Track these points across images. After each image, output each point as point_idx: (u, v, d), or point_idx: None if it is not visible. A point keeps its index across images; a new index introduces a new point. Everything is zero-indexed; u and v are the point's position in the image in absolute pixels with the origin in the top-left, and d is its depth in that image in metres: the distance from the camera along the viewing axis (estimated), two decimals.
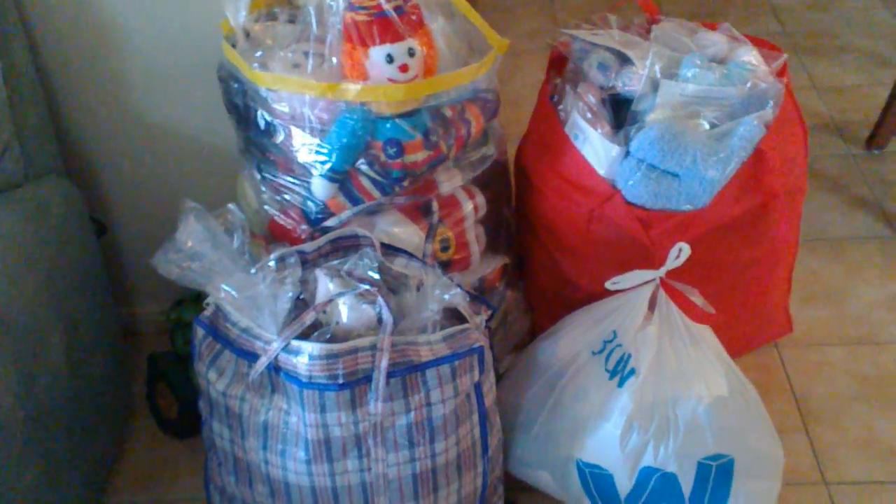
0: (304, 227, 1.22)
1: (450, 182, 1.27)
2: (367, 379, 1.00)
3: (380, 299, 1.03)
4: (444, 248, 1.28)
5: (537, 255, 1.43)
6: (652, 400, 1.15)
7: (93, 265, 1.36)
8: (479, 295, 1.14)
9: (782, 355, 1.55)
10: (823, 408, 1.46)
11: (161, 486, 1.42)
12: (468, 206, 1.29)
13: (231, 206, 1.09)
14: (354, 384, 0.99)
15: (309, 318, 1.02)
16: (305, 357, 0.98)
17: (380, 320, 1.03)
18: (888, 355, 1.54)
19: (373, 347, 1.00)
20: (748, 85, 1.24)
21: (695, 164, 1.19)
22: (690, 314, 1.22)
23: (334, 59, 1.14)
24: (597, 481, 1.19)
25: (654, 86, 1.26)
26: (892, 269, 1.71)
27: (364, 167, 1.17)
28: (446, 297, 1.04)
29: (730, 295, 1.35)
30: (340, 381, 0.98)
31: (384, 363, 0.99)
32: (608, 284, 1.21)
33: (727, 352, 1.25)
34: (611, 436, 1.16)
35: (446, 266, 1.30)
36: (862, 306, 1.64)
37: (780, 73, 1.28)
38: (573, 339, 1.25)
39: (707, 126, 1.23)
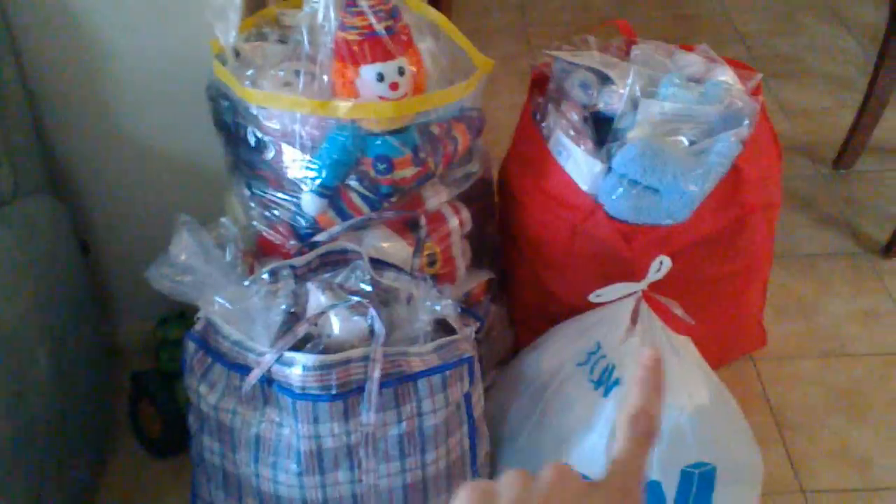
0: (292, 242, 1.24)
1: (436, 198, 1.30)
2: (360, 390, 1.01)
3: (371, 311, 1.04)
4: (431, 263, 1.30)
5: (521, 270, 1.45)
6: None
7: (79, 283, 1.36)
8: (467, 307, 1.17)
9: (758, 368, 1.59)
10: (799, 419, 1.49)
11: None
12: (454, 222, 1.32)
13: (224, 219, 1.10)
14: (347, 395, 1.01)
15: (302, 329, 1.03)
16: (299, 368, 0.99)
17: (372, 332, 1.04)
18: (859, 367, 1.58)
19: (365, 358, 1.02)
20: (725, 103, 1.29)
21: (675, 180, 1.22)
22: (670, 326, 1.26)
23: (325, 78, 1.16)
24: None
25: (635, 104, 1.29)
26: (862, 284, 1.77)
27: (354, 183, 1.19)
28: (437, 308, 1.06)
29: (708, 307, 1.39)
30: (334, 391, 1.00)
31: (377, 373, 1.01)
32: (592, 297, 1.23)
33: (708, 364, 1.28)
34: (597, 446, 1.18)
35: (432, 280, 1.32)
36: (833, 320, 1.68)
37: (755, 93, 1.32)
38: (557, 351, 1.28)
39: (686, 143, 1.26)
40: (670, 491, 1.18)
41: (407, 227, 1.29)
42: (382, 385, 1.01)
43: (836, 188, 2.04)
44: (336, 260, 1.21)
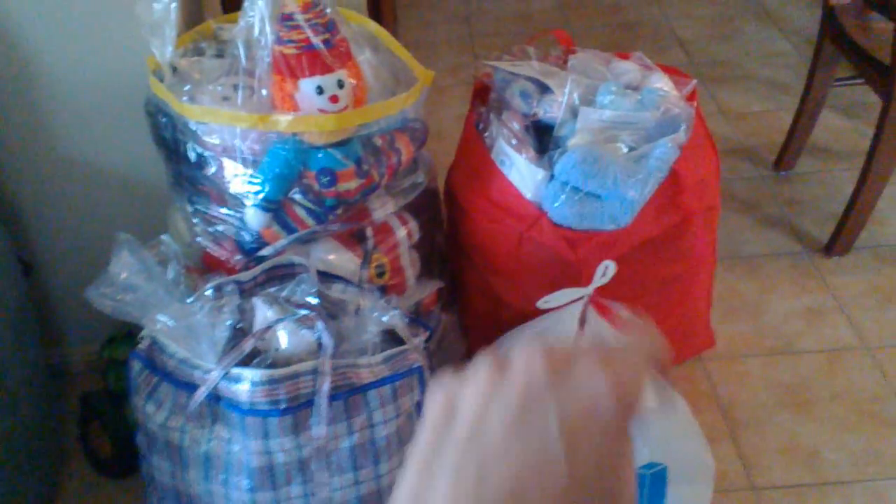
0: (238, 257, 1.23)
1: (383, 209, 1.30)
2: (310, 403, 1.01)
3: (319, 324, 1.04)
4: (380, 274, 1.30)
5: (470, 278, 1.46)
6: None
7: (20, 306, 1.33)
8: (416, 317, 1.17)
9: (707, 368, 1.62)
10: (748, 416, 1.52)
11: None
12: (401, 232, 1.32)
13: (164, 236, 1.09)
14: (297, 409, 1.00)
15: (248, 345, 1.02)
16: (247, 384, 0.99)
17: (320, 345, 1.04)
18: (804, 364, 1.62)
19: (314, 371, 1.01)
20: (661, 110, 1.31)
21: (616, 186, 1.24)
22: (618, 329, 1.27)
23: (264, 92, 1.16)
24: None
25: (574, 112, 1.31)
26: (804, 282, 1.81)
27: (298, 196, 1.19)
28: (385, 318, 1.06)
29: (654, 310, 1.41)
30: (283, 406, 0.99)
31: (326, 386, 1.00)
32: (539, 304, 1.25)
33: None
34: None
35: (382, 291, 1.32)
36: (778, 319, 1.72)
37: (690, 98, 1.35)
38: None
39: (625, 149, 1.28)
40: None
41: (354, 238, 1.29)
42: (332, 398, 1.01)
43: (777, 190, 2.09)
44: (283, 274, 1.20)
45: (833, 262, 1.86)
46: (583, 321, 1.27)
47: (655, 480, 1.20)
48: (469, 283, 1.47)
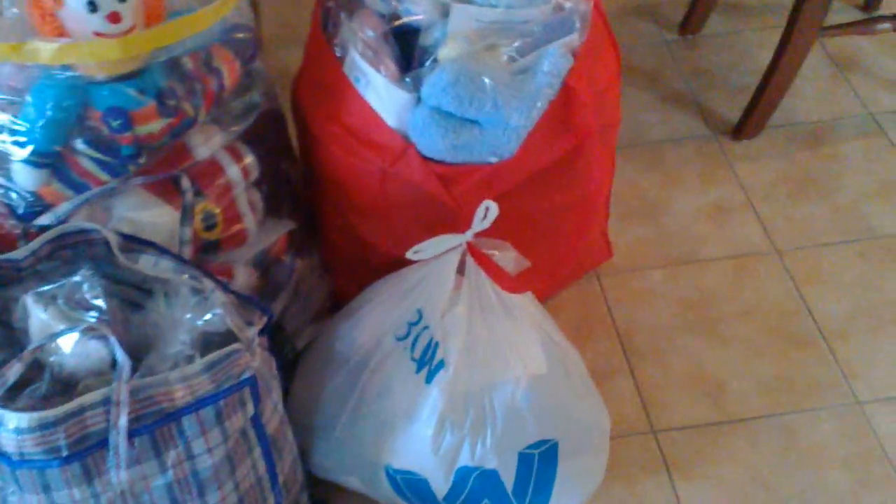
0: (13, 222, 0.95)
1: (207, 144, 1.03)
2: (103, 443, 0.78)
3: (111, 339, 0.79)
4: (210, 227, 1.05)
5: (330, 215, 1.21)
6: (465, 390, 1.00)
7: None
8: (250, 298, 0.93)
9: (603, 285, 1.45)
10: (648, 344, 1.37)
11: None
12: (234, 171, 1.06)
13: None
14: (85, 453, 0.77)
15: (13, 372, 0.78)
16: (11, 431, 0.75)
17: (114, 364, 0.80)
18: (708, 274, 1.46)
19: (106, 402, 0.78)
20: (551, 4, 1.05)
21: (496, 110, 1.00)
22: (503, 273, 1.07)
23: (15, 10, 0.85)
24: (410, 486, 1.04)
25: (445, 12, 1.04)
26: (710, 173, 1.63)
27: (81, 146, 0.91)
28: (199, 323, 0.83)
29: (545, 241, 1.21)
30: (64, 453, 0.76)
31: (123, 420, 0.77)
32: (409, 254, 1.03)
33: (549, 293, 1.11)
34: (422, 437, 1.00)
35: (216, 246, 1.07)
36: (681, 219, 1.55)
37: None
38: (375, 320, 1.07)
39: (507, 59, 1.03)
40: (508, 477, 1.03)
41: (173, 186, 1.02)
42: (133, 433, 0.78)
43: (682, 57, 1.87)
44: (76, 242, 0.93)
45: (742, 147, 1.68)
46: (462, 270, 1.06)
47: (544, 459, 1.04)
48: (329, 220, 1.22)
